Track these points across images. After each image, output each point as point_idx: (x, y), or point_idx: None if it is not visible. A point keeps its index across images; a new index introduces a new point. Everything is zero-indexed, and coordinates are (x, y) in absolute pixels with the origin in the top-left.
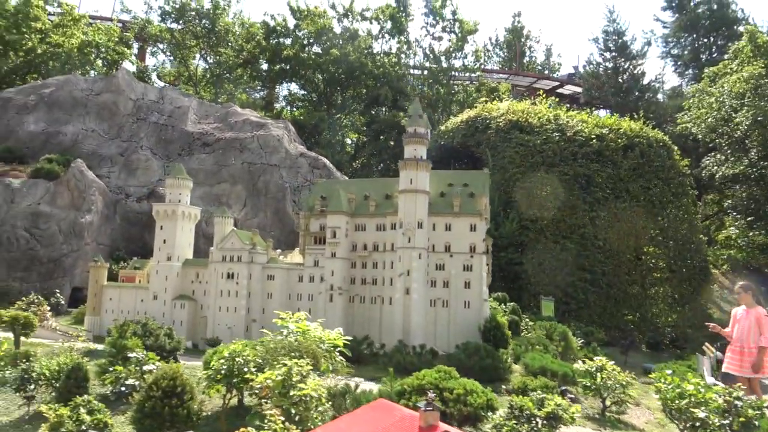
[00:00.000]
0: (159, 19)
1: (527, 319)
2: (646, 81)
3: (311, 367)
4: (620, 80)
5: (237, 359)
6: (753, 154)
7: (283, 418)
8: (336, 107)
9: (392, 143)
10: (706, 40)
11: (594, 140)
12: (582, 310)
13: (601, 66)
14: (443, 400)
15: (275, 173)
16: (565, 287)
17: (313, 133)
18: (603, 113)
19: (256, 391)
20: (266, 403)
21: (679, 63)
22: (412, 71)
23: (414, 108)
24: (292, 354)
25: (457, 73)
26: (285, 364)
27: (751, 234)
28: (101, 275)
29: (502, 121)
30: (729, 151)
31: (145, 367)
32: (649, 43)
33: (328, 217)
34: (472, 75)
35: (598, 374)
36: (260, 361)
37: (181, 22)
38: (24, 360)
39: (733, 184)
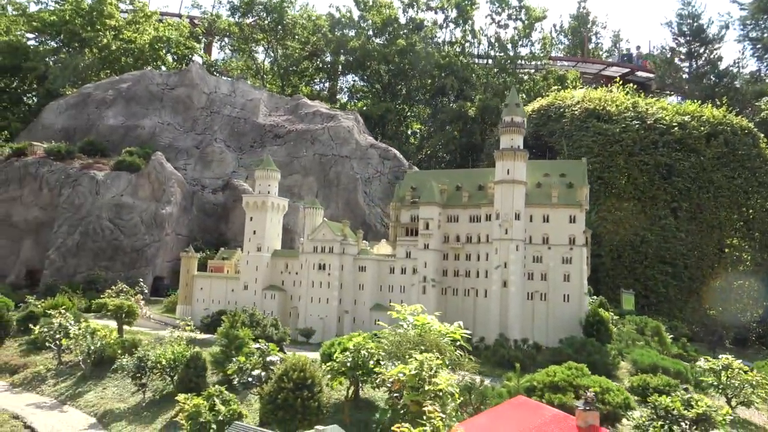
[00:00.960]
0: (228, 13)
1: (611, 313)
2: (723, 66)
3: (440, 362)
4: (695, 65)
5: (362, 352)
6: None
7: (443, 415)
8: (401, 98)
9: (457, 133)
10: None
11: (676, 128)
12: (662, 303)
13: (675, 51)
14: (578, 398)
15: (346, 164)
16: (645, 280)
17: (378, 124)
18: (672, 100)
19: (388, 385)
20: (397, 397)
21: (758, 46)
22: (477, 60)
23: (511, 97)
24: (419, 348)
25: (523, 62)
26: (416, 359)
27: None
28: (192, 265)
29: (578, 110)
30: None
31: (268, 358)
32: (726, 27)
33: (421, 208)
34: (539, 63)
35: (723, 373)
36: (384, 354)
37: (249, 15)
38: (133, 348)
39: None
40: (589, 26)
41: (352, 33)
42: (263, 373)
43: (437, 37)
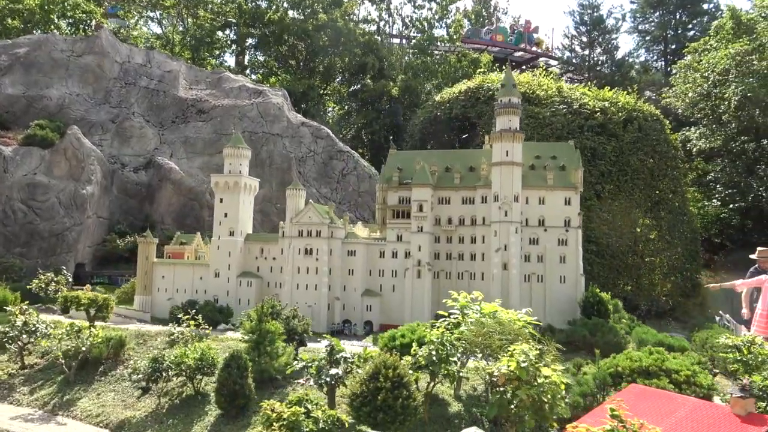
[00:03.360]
0: None
1: None
2: (619, 55)
3: (538, 352)
4: (594, 54)
5: (446, 345)
6: (731, 128)
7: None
8: (319, 76)
9: (380, 113)
10: (672, 17)
11: (598, 113)
12: (588, 281)
13: (576, 39)
14: (674, 383)
15: (278, 143)
16: None
17: (300, 101)
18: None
19: (493, 379)
20: (503, 391)
21: (647, 38)
22: (393, 40)
23: (507, 77)
24: (504, 338)
25: (440, 43)
26: (520, 350)
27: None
28: (151, 251)
29: None
30: (709, 126)
31: (340, 355)
32: (623, 18)
33: (414, 190)
34: (453, 45)
35: (745, 349)
36: (468, 346)
37: None
38: (120, 348)
39: (716, 158)
40: (491, 11)
41: (264, 4)
42: (339, 372)
43: (355, 14)
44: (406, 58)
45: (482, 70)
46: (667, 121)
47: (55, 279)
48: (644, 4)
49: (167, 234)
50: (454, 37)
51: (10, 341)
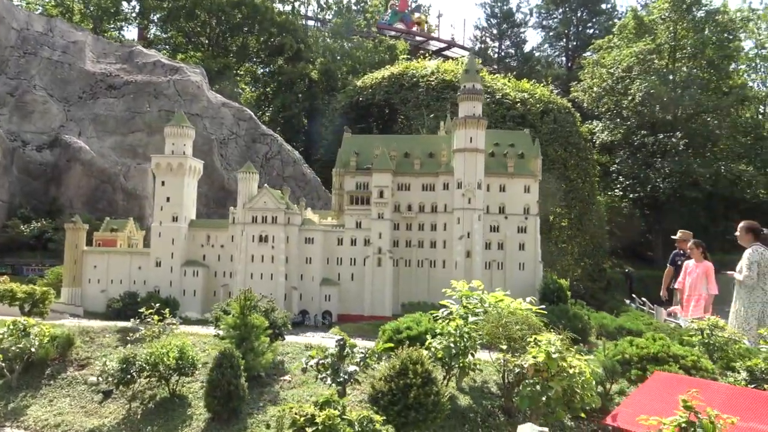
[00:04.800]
0: None
1: None
2: (527, 49)
3: (561, 342)
4: (504, 46)
5: (463, 337)
6: (632, 122)
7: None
8: (233, 55)
9: (300, 96)
10: (574, 15)
11: (519, 104)
12: None
13: (487, 31)
14: (683, 369)
15: (198, 123)
16: None
17: (215, 81)
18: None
19: (523, 371)
20: (532, 384)
21: (551, 34)
22: (309, 22)
23: (470, 63)
24: (522, 328)
25: (357, 28)
26: (545, 340)
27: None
28: (80, 239)
29: (434, 81)
30: (612, 120)
31: (355, 350)
32: (531, 13)
33: (374, 176)
34: (370, 31)
35: (712, 334)
36: (484, 337)
37: None
38: (68, 347)
39: (618, 150)
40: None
41: None
42: (356, 369)
43: None
44: (324, 41)
45: (403, 56)
46: (578, 114)
47: None
48: (549, 0)
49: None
50: (371, 21)
51: None
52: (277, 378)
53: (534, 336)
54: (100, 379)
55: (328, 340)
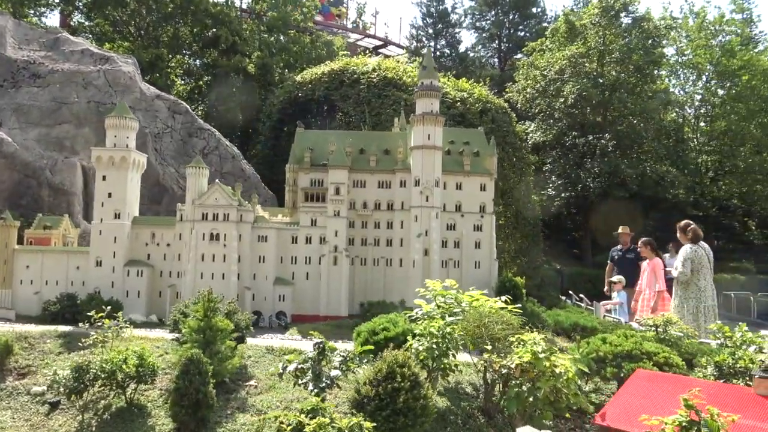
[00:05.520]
0: None
1: None
2: (462, 49)
3: (543, 341)
4: (439, 46)
5: (446, 338)
6: (563, 124)
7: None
8: (165, 46)
9: (235, 90)
10: (506, 18)
11: (459, 104)
12: None
13: (423, 30)
14: (657, 365)
15: None
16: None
17: (145, 72)
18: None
19: (509, 371)
20: (518, 384)
21: (484, 36)
22: (243, 15)
23: (427, 60)
24: (504, 328)
25: (293, 22)
26: (530, 339)
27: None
28: (11, 237)
29: (376, 78)
30: (545, 120)
31: (334, 354)
32: (465, 14)
33: (330, 172)
34: (306, 26)
35: (665, 330)
36: (466, 338)
37: None
38: (7, 354)
39: (551, 150)
40: None
41: None
42: (337, 373)
43: None
44: (259, 35)
45: (343, 53)
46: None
47: None
48: (482, 2)
49: None
50: (307, 16)
51: None
52: (243, 384)
53: (517, 336)
54: (47, 389)
55: (288, 342)
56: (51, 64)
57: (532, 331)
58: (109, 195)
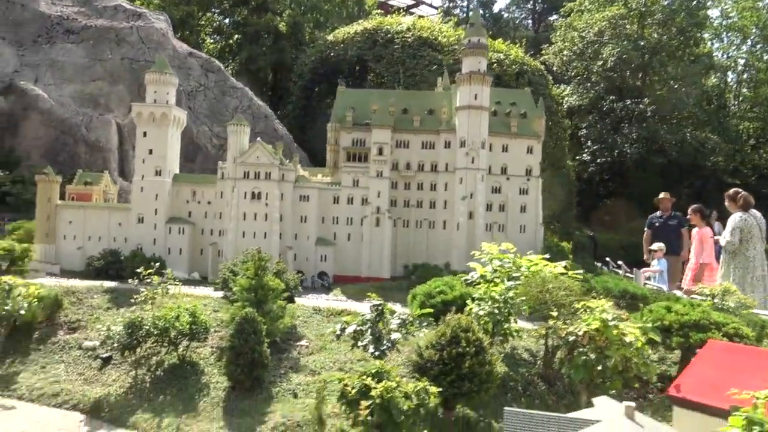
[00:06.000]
0: None
1: None
2: (495, 10)
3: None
4: (472, 6)
5: (507, 303)
6: (600, 87)
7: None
8: (196, 3)
9: (266, 49)
10: None
11: (495, 65)
12: None
13: None
14: (726, 336)
15: None
16: None
17: (176, 30)
18: None
19: (573, 338)
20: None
21: None
22: None
23: (475, 16)
24: (568, 294)
25: None
26: (598, 306)
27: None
28: (53, 192)
29: (411, 38)
30: (583, 84)
31: (394, 318)
32: None
33: (373, 132)
34: None
35: (723, 300)
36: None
37: None
38: (57, 309)
39: (587, 114)
40: None
41: None
42: (398, 336)
43: None
44: None
45: (374, 11)
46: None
47: None
48: None
49: (35, 172)
50: None
51: None
52: (294, 343)
53: (583, 302)
54: (99, 344)
55: (334, 303)
56: (84, 19)
57: (595, 298)
58: (150, 152)
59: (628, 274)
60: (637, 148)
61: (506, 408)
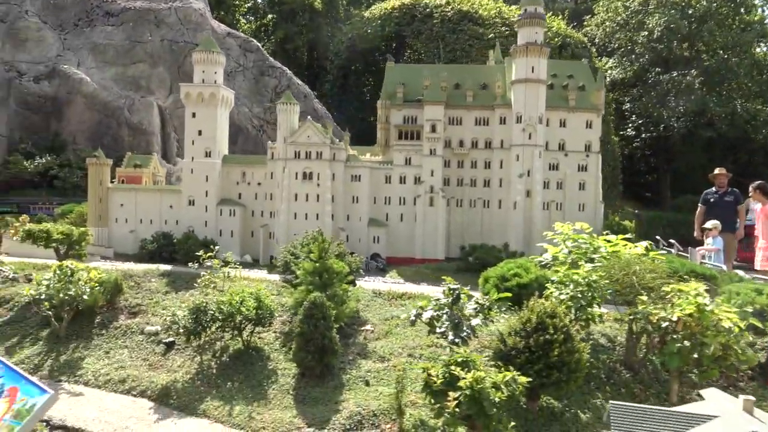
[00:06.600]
0: None
1: None
2: None
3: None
4: None
5: (591, 286)
6: (645, 59)
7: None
8: None
9: (302, 27)
10: None
11: None
12: None
13: None
14: None
15: None
16: None
17: (213, 10)
18: None
19: (666, 324)
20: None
21: None
22: None
23: None
24: (655, 277)
25: None
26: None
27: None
28: (105, 175)
29: (450, 11)
30: (627, 56)
31: (469, 303)
32: None
33: (426, 108)
34: None
35: None
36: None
37: None
38: (117, 293)
39: (631, 88)
40: None
41: None
42: (476, 322)
43: None
44: None
45: None
46: (594, 50)
47: None
48: None
49: (81, 156)
50: None
51: None
52: (358, 328)
53: (673, 286)
54: (161, 329)
55: (393, 285)
56: (123, 2)
57: (683, 281)
58: (200, 133)
59: (681, 253)
60: (684, 122)
61: (612, 401)
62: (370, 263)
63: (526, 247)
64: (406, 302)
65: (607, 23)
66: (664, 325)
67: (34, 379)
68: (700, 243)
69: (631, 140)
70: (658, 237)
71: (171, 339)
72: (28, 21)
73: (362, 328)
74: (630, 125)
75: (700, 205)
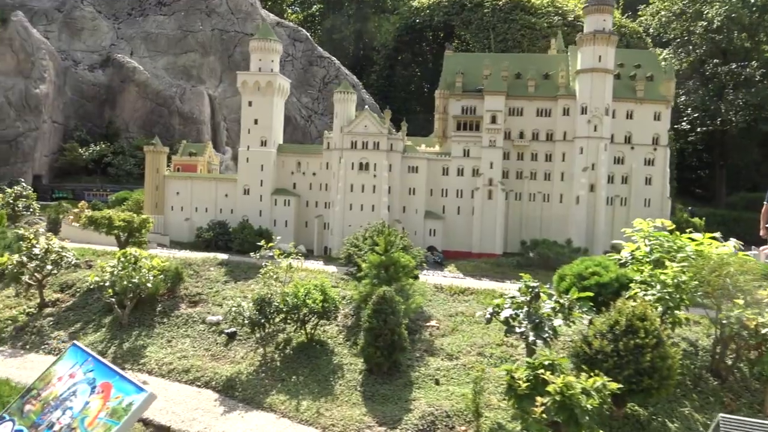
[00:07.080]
0: None
1: None
2: None
3: None
4: None
5: (680, 288)
6: (702, 50)
7: None
8: None
9: (349, 17)
10: None
11: None
12: None
13: None
14: None
15: None
16: None
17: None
18: None
19: (766, 331)
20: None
21: None
22: None
23: None
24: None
25: None
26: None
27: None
28: (161, 163)
29: (502, 0)
30: (683, 46)
31: (548, 300)
32: None
33: (486, 98)
34: None
35: None
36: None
37: None
38: (178, 282)
39: (686, 80)
40: None
41: None
42: (559, 322)
43: None
44: None
45: None
46: (649, 40)
47: (24, 194)
48: None
49: (134, 144)
50: None
51: (27, 271)
52: (423, 324)
53: None
54: (223, 319)
55: (454, 280)
56: None
57: None
58: (255, 121)
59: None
60: (743, 116)
61: (721, 414)
62: (428, 257)
63: (589, 243)
64: (469, 298)
65: (663, 13)
66: (763, 331)
67: (129, 375)
68: (764, 242)
69: (685, 134)
70: (717, 235)
71: (233, 329)
72: (84, 11)
73: (427, 324)
74: (684, 119)
75: (765, 202)
